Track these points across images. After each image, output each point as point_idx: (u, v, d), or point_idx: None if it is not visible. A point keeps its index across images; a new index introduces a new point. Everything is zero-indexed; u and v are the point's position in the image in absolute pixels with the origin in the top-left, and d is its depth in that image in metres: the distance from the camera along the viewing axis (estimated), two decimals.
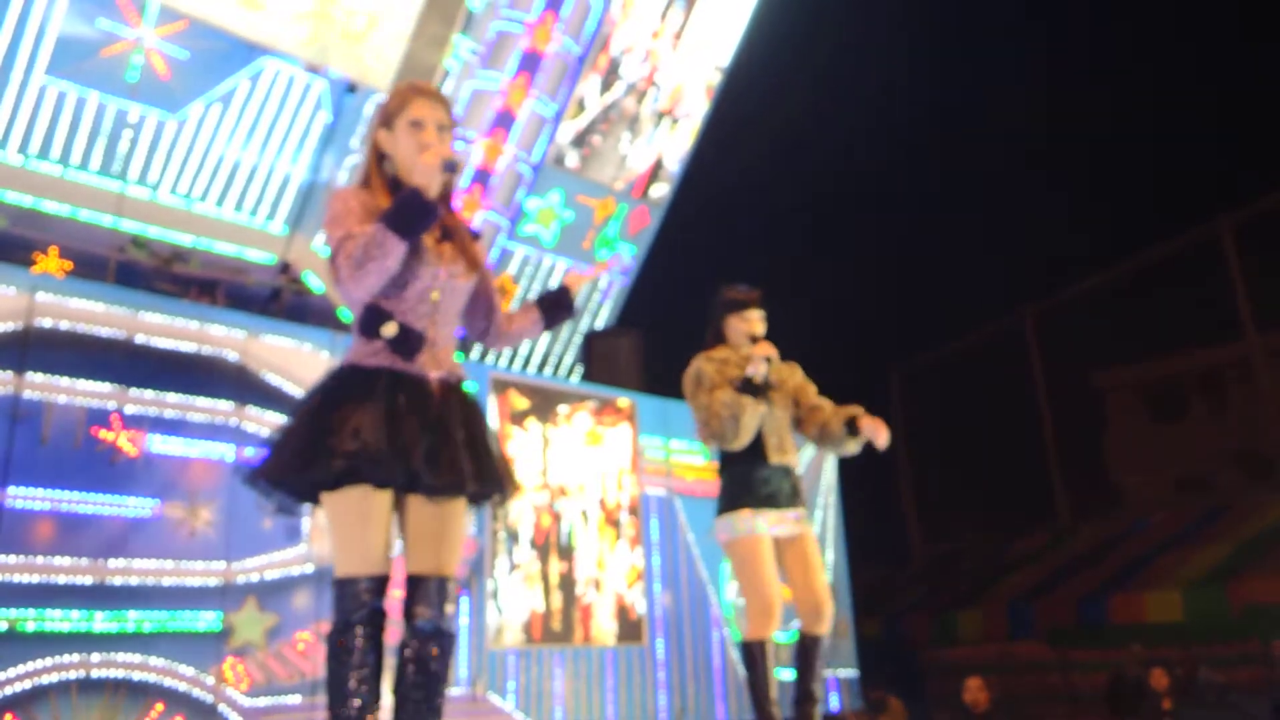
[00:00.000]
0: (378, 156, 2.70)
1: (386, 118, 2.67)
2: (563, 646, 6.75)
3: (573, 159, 9.03)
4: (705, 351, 4.19)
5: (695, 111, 9.89)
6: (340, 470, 2.45)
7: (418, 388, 2.57)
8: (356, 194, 2.61)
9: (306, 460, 2.47)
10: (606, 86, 9.09)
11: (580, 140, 9.03)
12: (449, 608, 2.58)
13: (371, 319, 2.58)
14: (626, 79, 9.23)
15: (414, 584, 2.58)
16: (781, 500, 3.97)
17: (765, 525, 3.92)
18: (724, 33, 9.83)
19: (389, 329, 2.56)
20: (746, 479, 3.98)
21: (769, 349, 3.97)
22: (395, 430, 2.47)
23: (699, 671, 7.41)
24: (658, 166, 9.75)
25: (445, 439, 2.55)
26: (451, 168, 2.52)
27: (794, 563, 3.98)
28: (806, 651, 3.92)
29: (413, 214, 2.47)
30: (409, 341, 2.57)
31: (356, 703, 2.42)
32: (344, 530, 2.52)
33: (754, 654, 3.86)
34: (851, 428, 4.01)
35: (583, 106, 8.94)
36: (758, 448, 3.99)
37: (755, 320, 4.10)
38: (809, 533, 4.01)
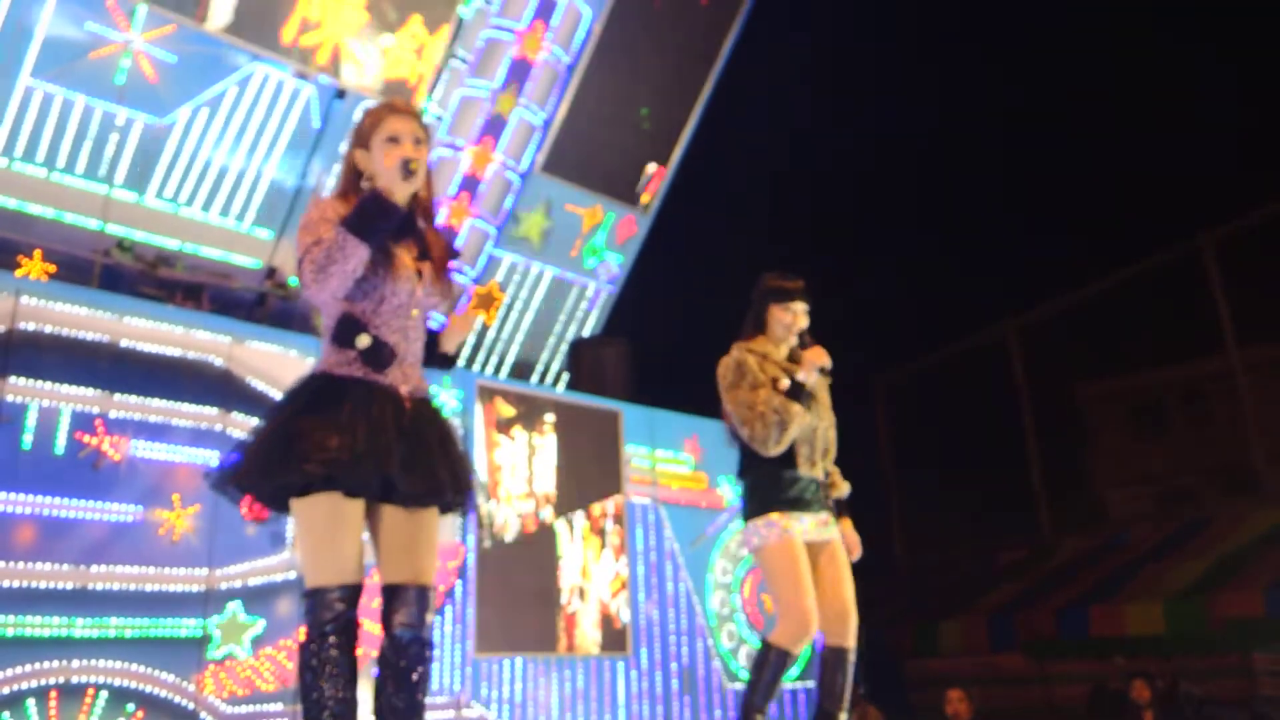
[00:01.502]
0: (355, 175, 2.73)
1: (362, 137, 2.71)
2: (547, 655, 6.74)
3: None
4: (743, 342, 3.97)
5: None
6: (314, 475, 2.45)
7: (390, 398, 2.59)
8: (333, 204, 2.65)
9: (279, 466, 2.48)
10: None
11: None
12: (429, 617, 2.58)
13: (346, 329, 2.60)
14: None
15: (392, 593, 2.58)
16: (813, 504, 3.81)
17: (799, 528, 3.74)
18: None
19: (363, 340, 2.58)
20: (775, 480, 3.79)
21: (826, 357, 3.82)
22: (372, 437, 2.49)
23: (683, 681, 7.41)
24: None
25: (421, 447, 2.57)
26: (407, 167, 2.56)
27: (824, 569, 3.79)
28: (831, 666, 3.72)
29: (371, 215, 2.51)
30: (381, 354, 2.60)
31: (331, 713, 2.41)
32: (315, 539, 2.51)
33: (772, 660, 3.64)
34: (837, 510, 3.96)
35: None
36: (790, 455, 3.80)
37: (800, 312, 3.94)
38: (838, 539, 3.86)
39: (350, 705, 2.44)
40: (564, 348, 9.56)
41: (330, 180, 7.84)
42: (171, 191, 7.35)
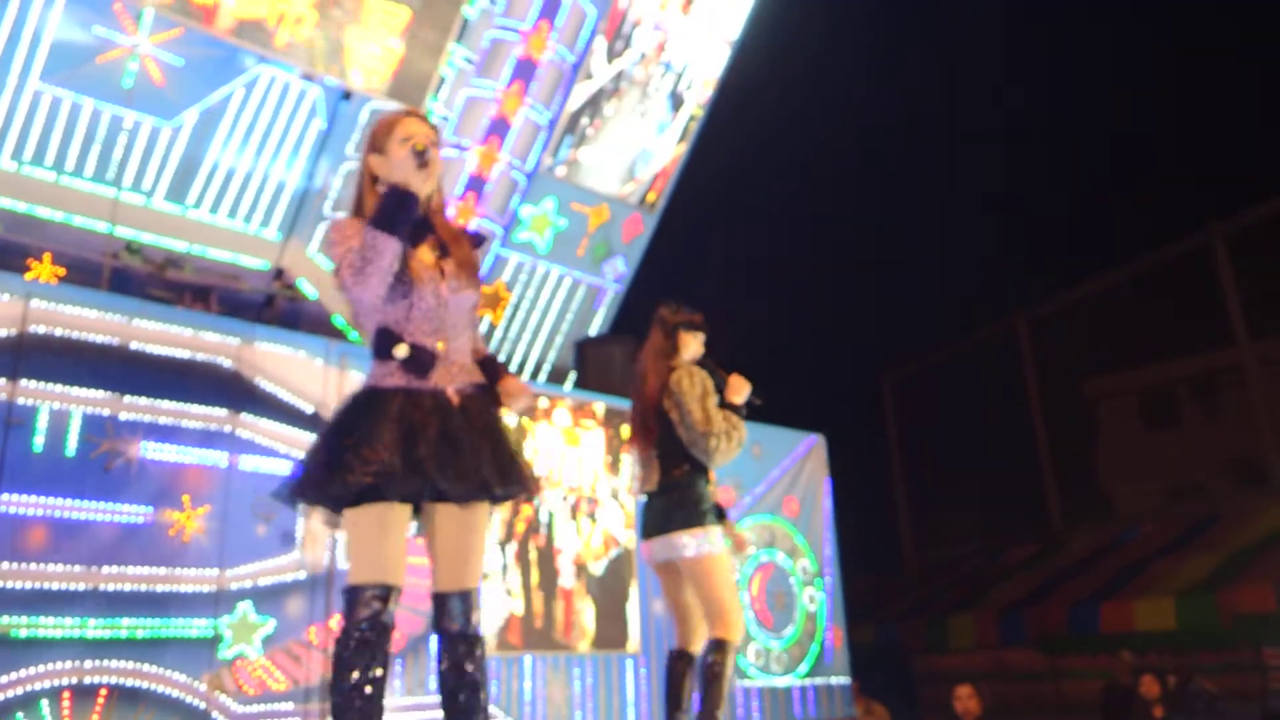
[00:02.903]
0: (371, 180, 2.80)
1: (377, 143, 2.78)
2: (556, 653, 6.75)
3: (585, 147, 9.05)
4: (673, 359, 4.41)
5: (700, 98, 9.88)
6: (360, 488, 2.53)
7: (433, 402, 2.66)
8: (353, 223, 2.72)
9: (326, 479, 2.57)
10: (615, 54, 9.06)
11: (594, 111, 9.00)
12: (475, 616, 2.70)
13: (384, 342, 2.69)
14: (637, 48, 9.19)
15: (440, 601, 2.71)
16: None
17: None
18: (733, 9, 9.84)
19: (400, 350, 2.67)
20: (706, 494, 4.24)
21: (749, 387, 4.31)
22: (410, 445, 2.56)
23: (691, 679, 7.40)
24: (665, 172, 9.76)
25: (460, 448, 2.63)
26: (415, 149, 2.65)
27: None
28: (695, 670, 4.24)
29: (393, 208, 2.60)
30: (421, 360, 2.68)
31: (358, 711, 2.46)
32: (360, 540, 2.60)
33: (732, 659, 4.17)
34: None
35: (590, 74, 8.89)
36: (706, 471, 4.30)
37: (702, 342, 4.47)
38: None
39: (376, 702, 2.49)
40: (571, 346, 9.57)
41: (337, 181, 7.86)
42: (179, 194, 7.37)
